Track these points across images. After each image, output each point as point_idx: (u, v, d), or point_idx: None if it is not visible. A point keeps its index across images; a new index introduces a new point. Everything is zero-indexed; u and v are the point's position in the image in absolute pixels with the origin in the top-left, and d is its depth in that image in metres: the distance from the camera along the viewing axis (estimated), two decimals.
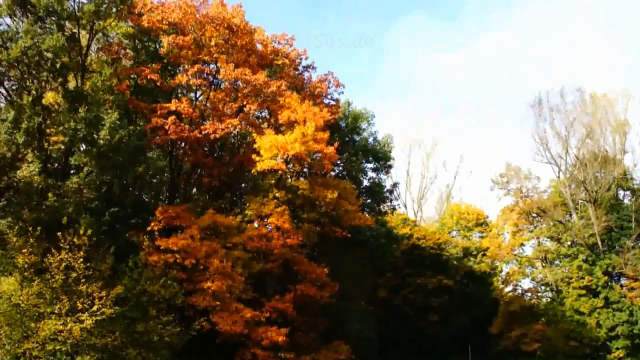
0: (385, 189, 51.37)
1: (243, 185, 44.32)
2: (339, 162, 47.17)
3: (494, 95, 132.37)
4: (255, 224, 39.53)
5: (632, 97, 66.45)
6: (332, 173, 45.92)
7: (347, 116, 49.13)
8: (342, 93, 44.59)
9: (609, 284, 58.48)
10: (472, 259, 73.40)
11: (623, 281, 59.55)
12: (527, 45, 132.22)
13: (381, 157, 50.03)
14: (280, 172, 39.64)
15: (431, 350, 64.91)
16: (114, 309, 29.90)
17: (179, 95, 39.40)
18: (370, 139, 49.91)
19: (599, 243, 59.89)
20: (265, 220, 38.57)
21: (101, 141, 32.61)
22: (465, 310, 68.74)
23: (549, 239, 65.36)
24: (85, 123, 31.87)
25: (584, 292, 58.95)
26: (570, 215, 63.16)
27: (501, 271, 74.81)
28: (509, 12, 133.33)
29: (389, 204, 53.16)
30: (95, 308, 29.17)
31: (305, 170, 42.48)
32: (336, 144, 39.10)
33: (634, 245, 58.57)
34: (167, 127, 35.57)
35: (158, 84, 37.57)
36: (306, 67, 44.33)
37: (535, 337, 59.65)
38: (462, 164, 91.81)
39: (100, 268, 31.46)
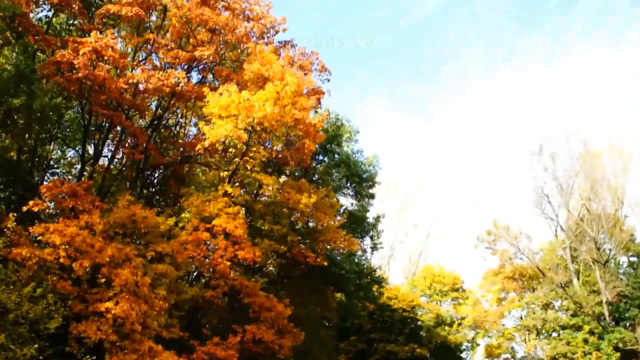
0: (367, 220, 38.20)
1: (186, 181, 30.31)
2: (315, 176, 34.14)
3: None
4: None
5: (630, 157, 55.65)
6: None
7: (325, 124, 36.28)
8: (328, 81, 31.66)
9: None
10: (446, 327, 59.84)
11: None
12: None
13: (366, 179, 37.17)
14: (237, 160, 26.32)
15: None
16: None
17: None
18: (355, 156, 37.07)
19: (606, 313, 47.41)
20: (209, 224, 24.73)
21: None
22: None
23: (542, 308, 52.49)
24: None
25: None
26: (571, 280, 50.69)
27: (478, 345, 61.40)
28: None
29: (369, 241, 39.60)
30: None
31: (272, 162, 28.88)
32: (324, 116, 26.11)
33: None
34: (76, 62, 22.18)
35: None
36: (284, 44, 31.54)
37: None
38: (435, 226, 77.73)
39: None
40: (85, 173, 26.68)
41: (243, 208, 25.60)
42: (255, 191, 29.60)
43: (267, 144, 26.31)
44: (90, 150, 28.07)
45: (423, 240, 74.46)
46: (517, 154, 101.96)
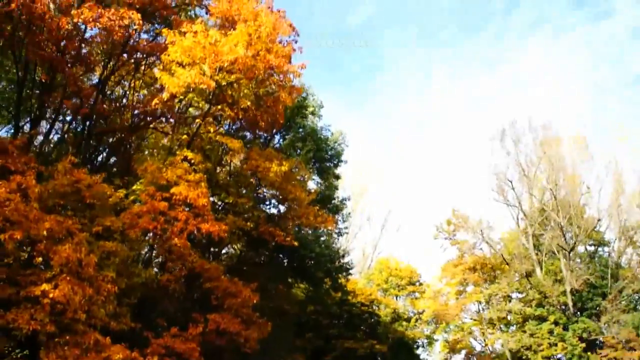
0: (334, 199, 35.00)
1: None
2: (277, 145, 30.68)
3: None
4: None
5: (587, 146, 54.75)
6: None
7: None
8: (296, 42, 28.16)
9: (587, 352, 44.03)
10: (404, 323, 57.33)
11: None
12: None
13: (333, 156, 34.04)
14: (198, 121, 22.68)
15: None
16: None
17: None
18: (323, 133, 33.80)
19: (570, 303, 45.94)
20: (167, 192, 20.91)
21: None
22: None
23: (503, 299, 50.61)
24: None
25: None
26: (534, 270, 49.01)
27: (435, 340, 59.31)
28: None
29: (337, 223, 36.19)
30: None
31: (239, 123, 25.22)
32: (302, 65, 22.59)
33: (612, 306, 44.91)
34: None
35: None
36: None
37: None
38: (390, 218, 74.96)
39: None
40: None
41: (205, 176, 21.91)
42: (217, 159, 25.99)
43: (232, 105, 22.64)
44: (27, 127, 23.76)
45: (378, 233, 71.97)
46: (470, 145, 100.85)
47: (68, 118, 25.65)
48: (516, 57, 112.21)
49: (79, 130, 24.21)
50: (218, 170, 25.46)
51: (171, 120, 23.78)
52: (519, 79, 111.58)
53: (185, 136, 23.84)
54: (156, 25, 25.96)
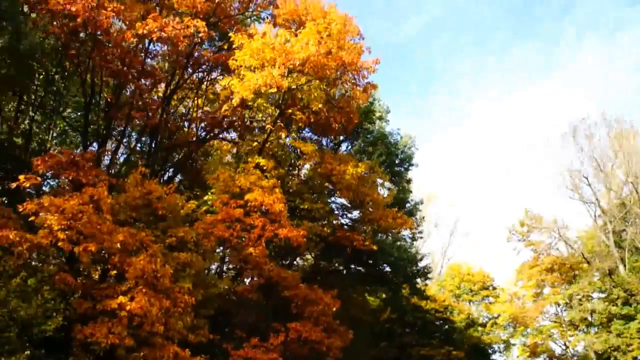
0: (408, 203, 33.23)
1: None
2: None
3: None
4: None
5: None
6: None
7: None
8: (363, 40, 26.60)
9: None
10: (479, 328, 54.66)
11: None
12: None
13: (403, 159, 32.35)
14: (268, 127, 21.48)
15: None
16: None
17: None
18: (393, 137, 32.18)
19: None
20: (241, 200, 19.77)
21: None
22: None
23: (584, 298, 47.30)
24: None
25: None
26: (616, 267, 45.57)
27: (512, 345, 56.24)
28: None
29: (407, 230, 34.24)
30: None
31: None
32: (376, 60, 20.98)
33: None
34: (74, 9, 17.17)
35: None
36: None
37: None
38: (458, 223, 72.04)
39: None
40: None
41: (279, 181, 20.71)
42: (288, 166, 24.79)
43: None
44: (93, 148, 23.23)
45: (447, 239, 69.31)
46: (523, 149, 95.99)
47: (134, 138, 25.23)
48: (571, 57, 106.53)
49: (144, 148, 23.53)
50: (290, 176, 24.30)
51: (239, 129, 22.76)
52: (575, 80, 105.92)
53: (255, 143, 22.73)
54: (217, 41, 25.13)
